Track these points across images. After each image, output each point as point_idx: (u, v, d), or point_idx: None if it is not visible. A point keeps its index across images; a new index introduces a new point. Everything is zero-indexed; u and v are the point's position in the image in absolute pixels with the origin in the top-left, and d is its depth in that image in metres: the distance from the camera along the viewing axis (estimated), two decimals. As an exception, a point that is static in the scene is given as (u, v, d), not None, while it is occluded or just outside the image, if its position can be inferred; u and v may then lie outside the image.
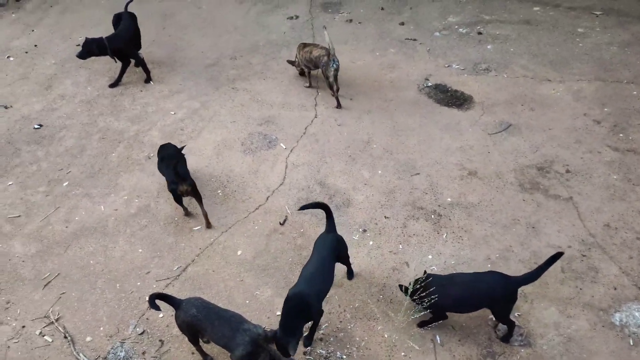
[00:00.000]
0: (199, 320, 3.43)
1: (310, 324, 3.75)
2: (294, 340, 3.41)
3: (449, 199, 5.00)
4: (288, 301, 3.51)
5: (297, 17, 8.15)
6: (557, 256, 3.55)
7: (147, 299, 4.08)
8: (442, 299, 3.63)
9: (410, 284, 3.72)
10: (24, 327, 4.13)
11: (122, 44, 6.44)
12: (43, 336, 4.06)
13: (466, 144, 5.62)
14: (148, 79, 6.80)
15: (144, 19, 8.24)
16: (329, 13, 8.22)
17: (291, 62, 6.68)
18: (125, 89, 6.72)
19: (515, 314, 3.97)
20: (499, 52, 7.04)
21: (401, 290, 3.91)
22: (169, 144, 5.16)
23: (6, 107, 6.47)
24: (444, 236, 4.65)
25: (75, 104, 6.49)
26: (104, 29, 7.94)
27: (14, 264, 4.61)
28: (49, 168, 5.58)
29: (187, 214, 4.98)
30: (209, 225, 4.85)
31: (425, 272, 3.84)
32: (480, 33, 7.46)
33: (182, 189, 4.64)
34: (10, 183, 5.41)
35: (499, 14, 7.88)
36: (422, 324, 3.94)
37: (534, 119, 5.87)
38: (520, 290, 4.08)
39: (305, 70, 6.48)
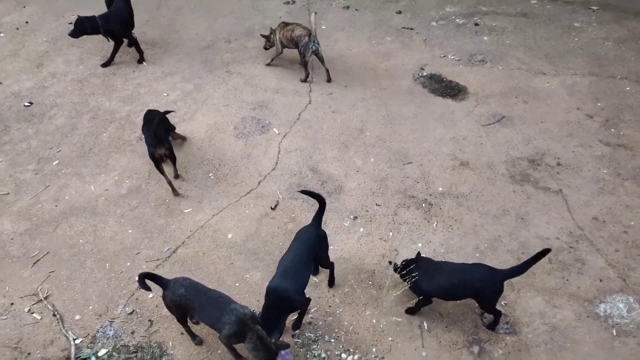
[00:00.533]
0: (188, 300, 3.44)
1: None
2: (275, 332, 3.47)
3: (440, 189, 5.03)
4: (266, 294, 3.53)
5: (293, 2, 8.08)
6: (545, 252, 3.59)
7: (136, 278, 4.07)
8: (428, 285, 3.69)
9: (401, 262, 3.79)
10: (12, 304, 4.12)
11: (114, 24, 6.36)
12: (32, 313, 4.05)
13: (459, 135, 5.64)
14: (141, 60, 6.73)
15: (138, -2, 8.14)
16: (326, -1, 8.16)
17: (265, 37, 6.64)
18: (117, 69, 6.65)
19: (502, 303, 4.02)
20: (495, 43, 7.04)
21: (390, 264, 3.95)
22: (155, 110, 5.20)
23: (-4, 84, 6.38)
24: (434, 225, 4.69)
25: (66, 82, 6.41)
26: (98, 8, 7.82)
27: (3, 241, 4.58)
28: (39, 146, 5.52)
29: (176, 194, 4.97)
30: (177, 176, 5.13)
31: (418, 252, 3.88)
32: (477, 24, 7.45)
33: (159, 152, 4.73)
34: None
35: (496, 5, 7.87)
36: (409, 311, 3.98)
37: (527, 112, 5.90)
38: (507, 280, 4.15)
39: (279, 48, 6.51)
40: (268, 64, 6.65)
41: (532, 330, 3.88)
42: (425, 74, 6.54)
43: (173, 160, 4.99)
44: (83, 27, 6.22)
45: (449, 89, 6.30)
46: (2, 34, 7.33)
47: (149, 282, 3.60)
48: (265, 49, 6.77)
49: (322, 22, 7.57)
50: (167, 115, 5.03)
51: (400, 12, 7.79)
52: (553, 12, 7.63)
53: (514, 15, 7.61)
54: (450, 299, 3.88)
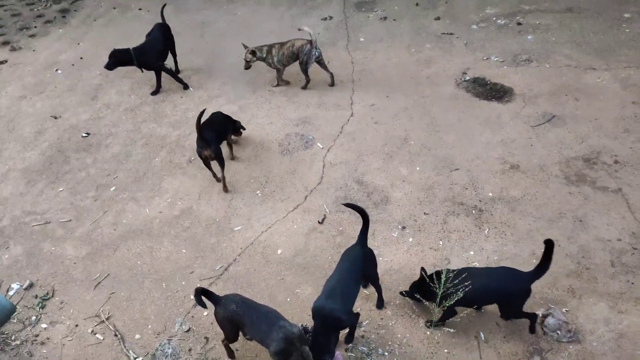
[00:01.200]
0: (239, 316, 3.50)
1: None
2: (325, 356, 3.45)
3: (491, 194, 4.89)
4: (313, 315, 3.51)
5: (331, 17, 8.18)
6: (550, 244, 3.45)
7: (192, 295, 4.20)
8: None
9: (442, 271, 3.59)
10: (77, 325, 4.32)
11: (146, 56, 6.62)
12: (95, 334, 4.23)
13: (507, 137, 5.48)
14: (186, 86, 7.00)
15: (183, 28, 8.50)
16: (363, 12, 8.21)
17: (252, 52, 6.42)
18: (166, 96, 6.93)
19: (563, 310, 3.84)
20: (540, 42, 6.83)
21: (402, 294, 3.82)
22: (220, 112, 5.63)
23: (56, 118, 6.80)
24: (486, 232, 4.55)
25: (119, 112, 6.75)
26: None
27: (66, 266, 4.84)
28: (96, 174, 5.82)
29: (226, 190, 5.32)
30: (225, 189, 5.31)
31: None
32: (519, 23, 7.26)
33: (205, 154, 5.10)
34: (61, 189, 5.68)
35: (539, 3, 7.66)
36: (434, 324, 3.81)
37: (579, 109, 5.66)
38: (568, 285, 3.97)
39: (282, 68, 6.58)
40: (276, 85, 6.73)
41: (596, 338, 3.67)
42: (468, 78, 6.42)
43: (220, 163, 5.22)
44: (117, 59, 6.51)
45: (494, 92, 6.16)
46: (60, 71, 7.83)
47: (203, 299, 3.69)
48: (246, 68, 6.59)
49: (359, 35, 7.61)
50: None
51: (438, 18, 7.72)
52: (600, 5, 7.33)
53: (559, 12, 7.36)
54: (474, 305, 3.70)
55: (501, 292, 3.53)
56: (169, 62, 7.15)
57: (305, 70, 6.46)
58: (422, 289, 3.74)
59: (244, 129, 5.88)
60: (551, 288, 4.04)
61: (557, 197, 4.76)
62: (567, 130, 5.44)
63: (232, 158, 5.72)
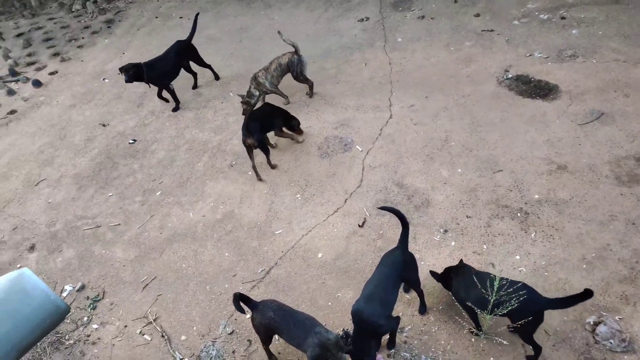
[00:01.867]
0: (276, 323, 3.56)
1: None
2: (366, 358, 3.44)
3: (537, 196, 4.75)
4: (353, 319, 3.51)
5: (367, 18, 8.15)
6: (587, 295, 3.21)
7: (232, 300, 4.26)
8: (464, 293, 3.65)
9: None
10: (126, 326, 4.48)
11: (154, 73, 6.70)
12: (143, 335, 4.38)
13: (554, 137, 5.30)
14: (176, 108, 7.02)
15: (222, 34, 8.67)
16: (400, 11, 8.13)
17: (245, 102, 6.34)
18: (207, 102, 7.08)
19: (617, 318, 3.68)
20: (586, 36, 6.58)
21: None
22: (267, 104, 6.00)
23: (104, 125, 7.06)
24: (533, 235, 4.42)
25: (164, 118, 6.94)
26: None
27: (116, 268, 5.02)
28: (143, 179, 6.02)
29: (259, 179, 5.59)
30: (271, 167, 5.69)
31: (461, 260, 3.90)
32: (563, 18, 7.01)
33: (248, 142, 5.38)
34: (110, 194, 5.90)
35: (584, -5, 7.37)
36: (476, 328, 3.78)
37: (630, 106, 5.42)
38: (621, 291, 3.81)
39: (276, 90, 6.44)
40: (287, 103, 6.59)
41: (654, 348, 3.51)
42: (510, 75, 6.26)
43: (264, 152, 5.56)
44: (131, 73, 6.57)
45: (538, 89, 5.97)
46: (107, 80, 8.13)
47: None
48: (245, 113, 6.27)
49: (397, 35, 7.55)
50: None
51: (478, 15, 7.55)
52: (652, -5, 6.99)
53: (605, 4, 7.06)
54: (483, 309, 3.57)
55: (513, 308, 3.37)
56: (206, 74, 7.29)
57: (304, 79, 6.43)
58: (445, 277, 3.89)
59: (298, 129, 5.88)
60: (603, 294, 3.88)
61: (608, 199, 4.57)
62: (617, 128, 5.22)
63: (298, 141, 5.98)
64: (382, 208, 4.03)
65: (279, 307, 3.65)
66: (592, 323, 3.67)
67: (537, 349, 3.50)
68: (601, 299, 3.86)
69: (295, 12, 8.90)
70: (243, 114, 6.39)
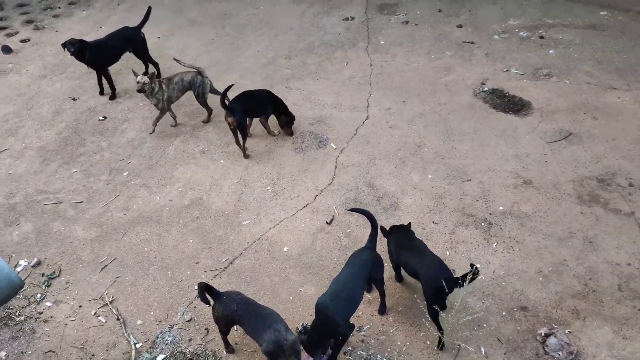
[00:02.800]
0: (239, 315, 3.55)
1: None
2: (318, 352, 3.48)
3: (501, 208, 4.87)
4: (316, 312, 3.53)
5: (352, 18, 8.17)
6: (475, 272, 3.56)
7: (195, 288, 4.22)
8: (396, 256, 4.02)
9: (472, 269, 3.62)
10: (80, 306, 4.37)
11: (97, 56, 6.51)
12: (97, 316, 4.28)
13: (522, 152, 5.44)
14: (112, 96, 6.83)
15: (204, 18, 8.54)
16: (385, 14, 8.18)
17: (150, 77, 5.83)
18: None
19: (567, 331, 3.82)
20: (562, 57, 6.77)
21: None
22: (265, 90, 5.80)
23: (74, 99, 6.86)
24: (494, 245, 4.53)
25: (137, 98, 6.78)
26: (167, 27, 8.28)
27: (75, 246, 4.89)
28: (111, 158, 5.87)
29: (246, 156, 5.66)
30: (245, 156, 5.65)
31: (409, 223, 4.19)
32: (542, 37, 7.21)
33: (229, 120, 5.39)
34: (75, 170, 5.73)
35: (562, 17, 7.59)
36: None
37: (597, 128, 5.61)
38: (573, 305, 3.95)
39: (166, 108, 6.05)
40: (175, 125, 6.29)
41: (599, 362, 3.65)
42: (486, 88, 6.39)
43: (242, 135, 5.52)
44: (76, 47, 6.32)
45: (511, 104, 6.12)
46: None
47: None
48: (139, 91, 5.79)
49: (380, 37, 7.60)
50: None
51: (460, 26, 7.68)
52: (625, 23, 7.25)
53: (582, 28, 7.29)
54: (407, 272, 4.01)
55: (424, 274, 3.71)
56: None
57: (204, 103, 6.16)
58: (388, 233, 4.16)
59: (294, 119, 5.86)
60: (556, 308, 4.01)
61: (569, 216, 4.73)
62: (583, 149, 5.40)
63: (272, 134, 5.95)
64: (352, 210, 4.09)
65: (242, 300, 3.64)
66: (543, 334, 3.79)
67: (439, 330, 3.74)
68: (554, 312, 3.98)
69: (281, 3, 8.83)
70: (138, 90, 5.80)
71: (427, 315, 3.76)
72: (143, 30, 6.84)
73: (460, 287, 3.59)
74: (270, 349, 3.34)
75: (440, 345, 3.78)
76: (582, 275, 4.23)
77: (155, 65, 7.11)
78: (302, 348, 3.48)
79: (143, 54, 6.97)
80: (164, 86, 5.88)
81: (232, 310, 3.56)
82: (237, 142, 5.63)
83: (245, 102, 5.49)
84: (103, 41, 6.69)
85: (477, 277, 3.57)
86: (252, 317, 3.52)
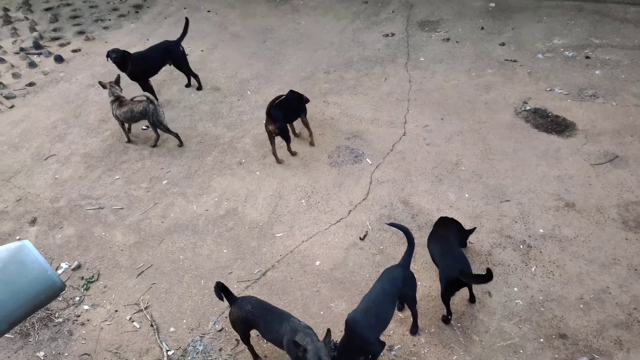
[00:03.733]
0: (254, 316, 3.62)
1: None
2: None
3: (541, 230, 4.72)
4: (346, 327, 3.50)
5: (392, 34, 8.17)
6: (489, 277, 3.61)
7: (214, 286, 4.24)
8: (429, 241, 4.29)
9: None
10: (116, 311, 4.48)
11: (138, 68, 6.68)
12: (132, 322, 4.37)
13: (565, 174, 5.28)
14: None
15: (247, 32, 8.72)
16: (426, 31, 8.16)
17: (112, 92, 6.19)
18: (224, 97, 7.11)
19: (609, 362, 3.65)
20: (609, 78, 6.56)
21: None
22: (292, 91, 5.88)
23: (120, 108, 7.10)
24: (533, 269, 4.39)
25: (179, 109, 6.97)
26: (211, 41, 8.50)
27: (114, 252, 5.02)
28: (151, 166, 6.03)
29: (278, 161, 5.84)
30: (293, 153, 5.92)
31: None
32: (588, 57, 7.01)
33: (270, 128, 5.54)
34: (117, 177, 5.92)
35: (610, 37, 7.37)
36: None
37: (645, 152, 5.40)
38: (616, 335, 3.77)
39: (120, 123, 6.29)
40: (127, 142, 6.42)
41: (644, 398, 3.46)
42: (528, 107, 6.25)
43: (285, 139, 5.74)
44: (118, 57, 6.53)
45: (554, 125, 5.96)
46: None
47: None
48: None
49: (420, 54, 7.57)
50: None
51: (503, 44, 7.56)
52: (679, 44, 6.97)
53: (631, 48, 7.06)
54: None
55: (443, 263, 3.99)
56: (226, 71, 7.28)
57: (165, 129, 6.13)
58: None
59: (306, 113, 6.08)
60: (597, 337, 3.84)
61: (612, 242, 4.54)
62: (630, 173, 5.19)
63: (311, 144, 6.10)
64: (391, 224, 4.06)
65: (257, 301, 3.73)
66: (582, 364, 3.63)
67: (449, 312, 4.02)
68: (594, 341, 3.82)
69: (322, 19, 8.94)
70: (100, 83, 6.27)
71: (459, 338, 3.68)
72: (186, 44, 7.03)
73: (470, 284, 3.95)
74: (291, 340, 3.36)
75: (446, 319, 4.05)
76: (626, 304, 4.04)
77: (196, 77, 7.30)
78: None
79: (183, 67, 7.17)
80: (114, 105, 6.13)
81: (247, 311, 3.63)
82: (274, 152, 5.78)
83: (282, 108, 5.59)
84: (144, 53, 6.92)
85: (489, 281, 3.62)
86: (267, 315, 3.61)
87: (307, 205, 5.28)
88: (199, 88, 7.32)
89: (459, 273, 3.72)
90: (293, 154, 5.91)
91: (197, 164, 6.00)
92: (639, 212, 4.78)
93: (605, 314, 3.98)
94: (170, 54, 6.97)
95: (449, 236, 4.19)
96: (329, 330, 3.31)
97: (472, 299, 4.14)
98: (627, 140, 5.59)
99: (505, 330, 3.94)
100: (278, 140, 5.78)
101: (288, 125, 5.85)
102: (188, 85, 7.39)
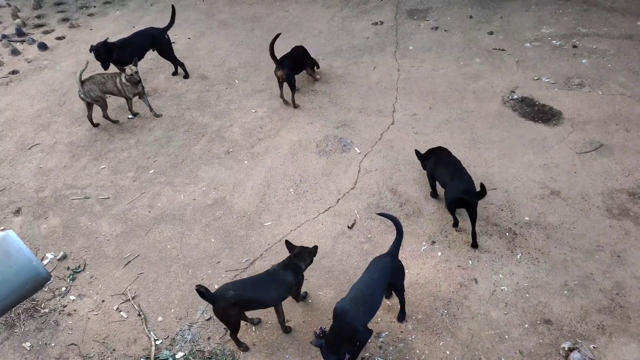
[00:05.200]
0: (242, 296, 3.66)
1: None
2: (333, 357, 3.44)
3: (527, 218, 4.77)
4: (334, 316, 3.50)
5: (381, 23, 8.14)
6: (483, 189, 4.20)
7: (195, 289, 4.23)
8: (431, 169, 4.88)
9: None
10: (103, 301, 4.46)
11: (124, 55, 6.60)
12: (119, 312, 4.35)
13: (551, 162, 5.32)
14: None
15: (235, 20, 8.63)
16: (415, 20, 8.13)
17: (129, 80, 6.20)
18: (212, 86, 7.05)
19: (591, 346, 3.71)
20: (595, 67, 6.61)
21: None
22: (300, 46, 6.68)
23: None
24: (518, 256, 4.44)
25: (166, 97, 6.90)
26: (198, 29, 8.40)
27: (100, 242, 4.99)
28: (138, 155, 5.98)
29: (285, 102, 6.50)
30: (295, 106, 6.45)
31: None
32: (575, 46, 7.05)
33: (278, 74, 6.21)
34: (103, 167, 5.86)
35: (597, 27, 7.40)
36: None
37: (630, 141, 5.45)
38: (598, 320, 3.84)
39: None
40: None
41: (625, 381, 3.53)
42: (516, 97, 6.27)
43: (291, 87, 6.31)
44: (103, 50, 6.46)
45: (541, 114, 5.99)
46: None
47: None
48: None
49: (408, 42, 7.55)
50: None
51: (492, 33, 7.57)
52: (664, 34, 7.03)
53: (617, 38, 7.10)
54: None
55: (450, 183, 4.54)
56: (214, 58, 7.22)
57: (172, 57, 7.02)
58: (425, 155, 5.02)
59: (318, 67, 6.93)
60: (580, 322, 3.90)
61: (597, 229, 4.60)
62: (615, 161, 5.25)
63: (316, 79, 6.90)
64: (381, 214, 4.06)
65: (233, 282, 3.80)
66: (566, 349, 3.69)
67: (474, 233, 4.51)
68: (578, 326, 3.88)
69: (311, 7, 8.87)
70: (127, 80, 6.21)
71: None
72: (173, 31, 6.95)
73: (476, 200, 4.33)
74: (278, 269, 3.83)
75: (455, 224, 4.73)
76: (609, 290, 4.10)
77: (182, 65, 7.22)
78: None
79: (169, 54, 7.09)
80: (128, 86, 6.18)
81: (233, 295, 3.62)
82: (282, 96, 6.45)
83: (290, 58, 6.32)
84: (128, 39, 6.84)
85: (484, 195, 4.19)
86: (249, 284, 3.75)
87: (296, 195, 5.28)
88: (186, 76, 7.24)
89: (463, 193, 4.34)
90: (296, 106, 6.41)
91: (185, 153, 5.96)
92: (623, 199, 4.84)
93: (588, 300, 4.05)
94: (155, 40, 6.88)
95: (451, 159, 4.80)
96: (316, 247, 4.04)
97: (474, 243, 4.54)
98: (612, 128, 5.64)
99: (491, 316, 3.99)
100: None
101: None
102: (175, 73, 7.31)
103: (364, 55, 7.37)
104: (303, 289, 4.30)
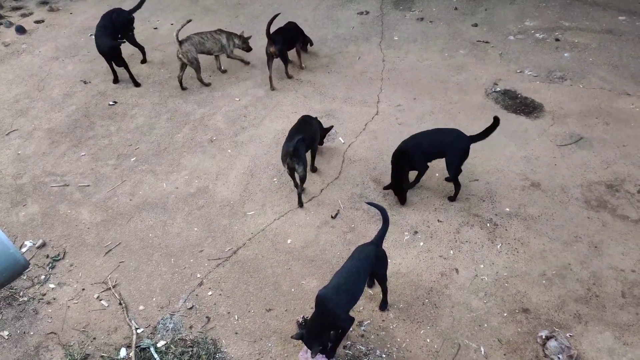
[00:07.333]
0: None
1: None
2: (315, 345, 3.46)
3: (507, 209, 4.84)
4: (316, 303, 3.52)
5: (367, 12, 8.12)
6: (496, 122, 4.64)
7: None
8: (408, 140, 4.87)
9: None
10: (83, 289, 4.41)
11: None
12: (100, 300, 4.31)
13: (531, 154, 5.40)
14: (115, 80, 6.90)
15: (219, 6, 8.52)
16: (400, 10, 8.13)
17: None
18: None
19: (568, 335, 3.80)
20: (577, 60, 6.69)
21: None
22: (292, 22, 6.74)
23: (85, 82, 6.88)
24: (499, 246, 4.51)
25: (148, 84, 6.80)
26: (181, 15, 8.27)
27: (80, 230, 4.92)
28: (119, 143, 5.89)
29: (272, 88, 6.52)
30: (289, 76, 6.69)
31: None
32: (557, 40, 7.12)
33: (270, 50, 6.21)
34: (83, 154, 5.76)
35: (579, 21, 7.49)
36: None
37: (608, 134, 5.55)
38: (575, 310, 3.92)
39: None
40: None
41: (599, 368, 3.63)
42: (498, 89, 6.33)
43: (284, 61, 6.46)
44: None
45: (523, 106, 6.06)
46: (93, 36, 7.89)
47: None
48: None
49: (394, 33, 7.55)
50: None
51: (476, 25, 7.61)
52: (644, 29, 7.14)
53: (599, 32, 7.20)
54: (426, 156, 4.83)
55: (448, 146, 4.67)
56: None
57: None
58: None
59: (312, 44, 7.10)
60: (557, 311, 3.99)
61: (575, 220, 4.69)
62: (594, 154, 5.34)
63: (302, 68, 6.91)
64: (369, 203, 4.07)
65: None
66: (543, 337, 3.77)
67: (458, 185, 4.85)
68: (555, 315, 3.96)
69: (295, -5, 8.79)
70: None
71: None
72: (155, 16, 6.84)
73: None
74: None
75: (455, 197, 4.93)
76: (585, 279, 4.20)
77: (141, 48, 7.16)
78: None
79: (129, 37, 6.97)
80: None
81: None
82: (270, 77, 6.45)
83: (282, 34, 6.31)
84: (97, 24, 6.71)
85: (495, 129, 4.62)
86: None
87: (279, 184, 5.27)
88: (143, 61, 7.15)
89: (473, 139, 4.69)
90: (290, 77, 6.64)
91: (167, 141, 5.89)
92: (601, 192, 4.94)
93: (566, 289, 4.13)
94: (112, 19, 6.72)
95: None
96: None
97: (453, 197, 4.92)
98: (592, 122, 5.73)
99: (471, 305, 4.05)
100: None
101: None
102: (144, 61, 7.18)
103: (349, 45, 7.35)
104: (287, 278, 4.31)
